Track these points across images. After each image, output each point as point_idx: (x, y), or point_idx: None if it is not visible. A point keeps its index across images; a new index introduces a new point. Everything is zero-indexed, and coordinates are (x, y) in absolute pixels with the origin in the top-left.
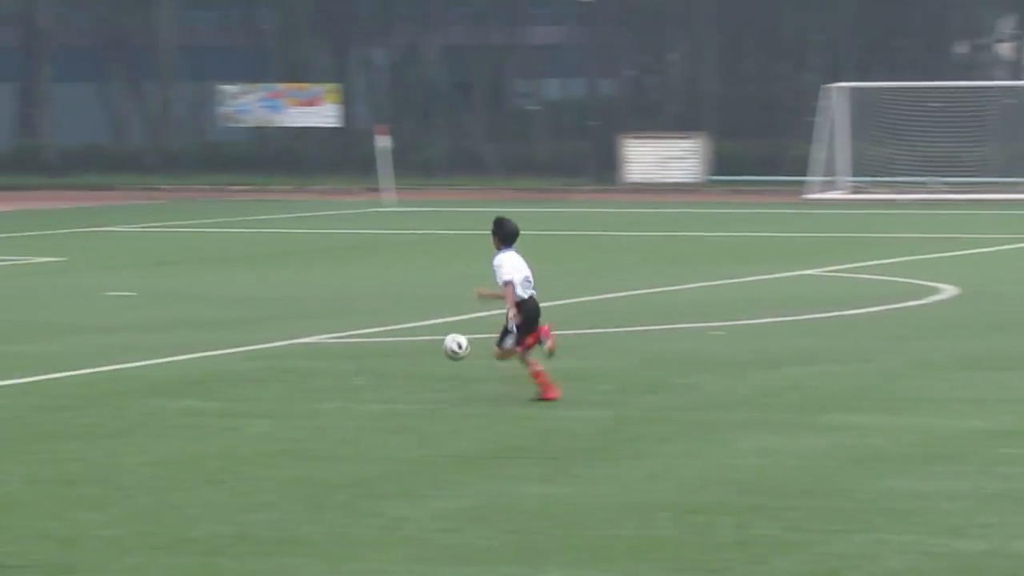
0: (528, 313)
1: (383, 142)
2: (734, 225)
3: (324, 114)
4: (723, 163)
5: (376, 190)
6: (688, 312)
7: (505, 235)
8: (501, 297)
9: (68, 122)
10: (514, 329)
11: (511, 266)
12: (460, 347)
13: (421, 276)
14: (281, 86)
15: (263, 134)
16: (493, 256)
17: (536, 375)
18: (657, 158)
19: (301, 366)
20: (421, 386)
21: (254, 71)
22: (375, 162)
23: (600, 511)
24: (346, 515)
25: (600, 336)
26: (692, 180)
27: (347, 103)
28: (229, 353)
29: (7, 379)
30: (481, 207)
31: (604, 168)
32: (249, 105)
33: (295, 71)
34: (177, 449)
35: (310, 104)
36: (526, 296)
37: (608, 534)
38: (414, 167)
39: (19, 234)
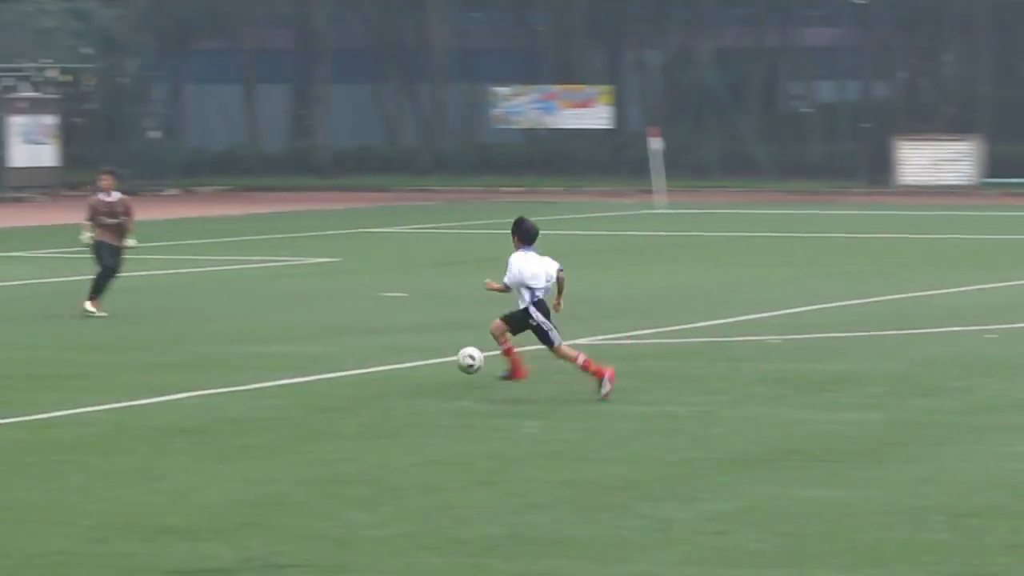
0: (543, 310)
1: (655, 144)
2: (1008, 228)
3: (597, 116)
4: (997, 165)
5: (648, 192)
6: (962, 315)
7: (524, 234)
8: (501, 290)
9: (341, 123)
10: (547, 326)
11: (519, 268)
12: (474, 359)
13: (693, 278)
14: (554, 88)
15: (534, 135)
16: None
17: (508, 351)
18: (930, 160)
19: (573, 367)
20: (693, 388)
21: (527, 73)
22: (647, 164)
23: (872, 514)
24: (617, 516)
25: (873, 339)
26: (966, 183)
27: (619, 105)
28: (500, 354)
29: (281, 379)
30: (753, 209)
31: (877, 170)
32: (522, 107)
33: (568, 72)
34: (448, 450)
35: (583, 106)
36: (537, 299)
37: (879, 537)
38: (686, 169)
39: (294, 235)
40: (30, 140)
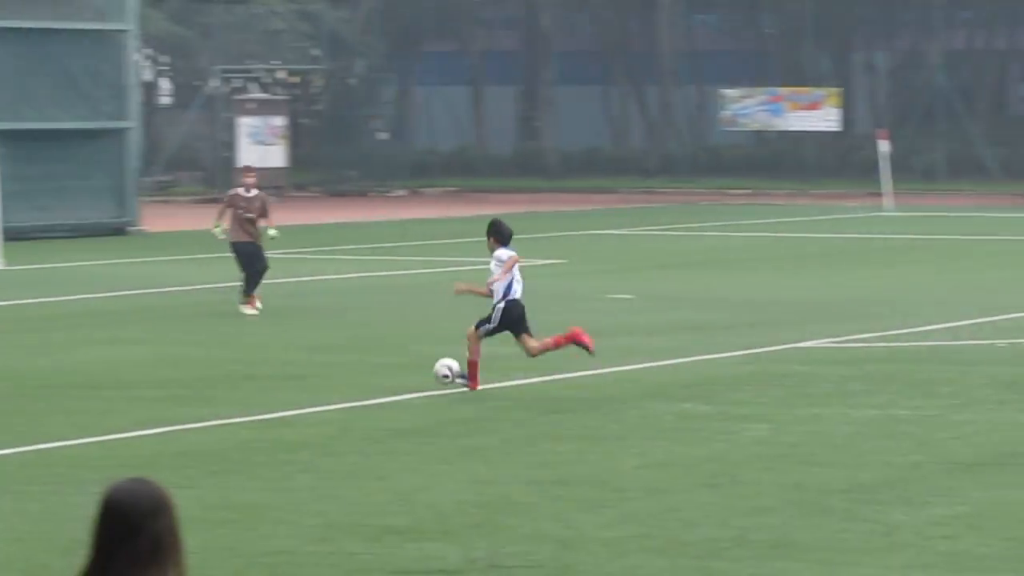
0: (512, 315)
1: (884, 146)
2: None
3: (824, 118)
4: None
5: (876, 195)
6: None
7: (501, 235)
8: (481, 293)
9: (569, 125)
10: (495, 322)
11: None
12: (451, 371)
13: (920, 281)
14: (782, 90)
15: (762, 138)
16: (492, 253)
17: (471, 364)
18: None
19: (799, 370)
20: (919, 391)
21: (754, 75)
22: (875, 166)
23: None
24: (842, 520)
25: None
26: None
27: (847, 107)
28: (727, 357)
29: (507, 380)
30: (982, 212)
31: None
32: (750, 109)
33: (796, 74)
34: (674, 452)
35: (811, 108)
36: (517, 297)
37: None
38: (914, 171)
39: (522, 236)
40: (259, 141)
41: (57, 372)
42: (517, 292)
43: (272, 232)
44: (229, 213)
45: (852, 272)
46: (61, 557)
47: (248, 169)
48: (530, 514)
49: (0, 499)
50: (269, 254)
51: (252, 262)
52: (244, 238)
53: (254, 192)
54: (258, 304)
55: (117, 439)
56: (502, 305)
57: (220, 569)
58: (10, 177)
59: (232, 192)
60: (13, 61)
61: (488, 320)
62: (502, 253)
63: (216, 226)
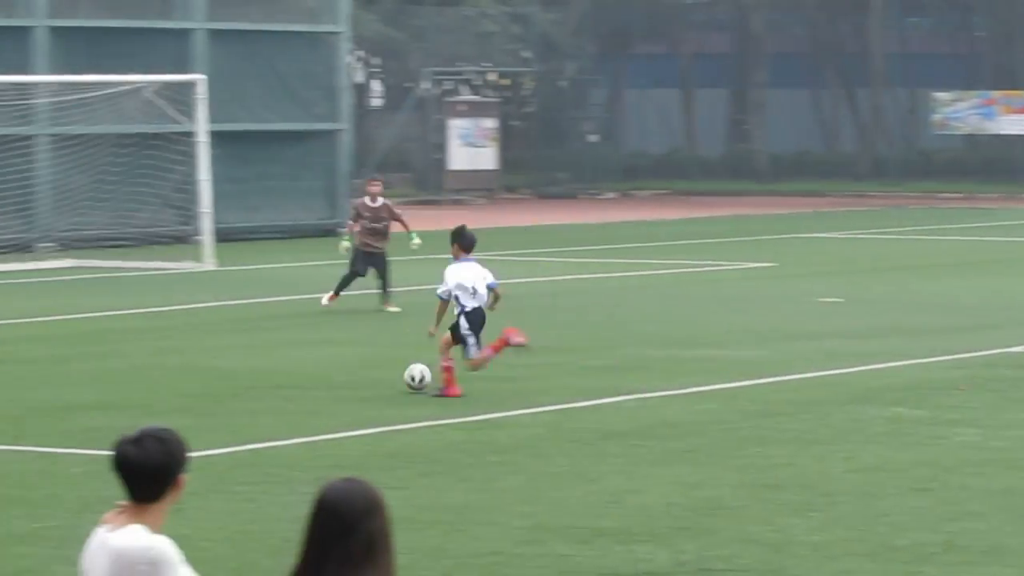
0: (472, 321)
1: None
2: None
3: None
4: None
5: None
6: None
7: (464, 243)
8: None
9: (779, 128)
10: (469, 335)
11: (454, 278)
12: (422, 376)
13: None
14: (995, 93)
15: (974, 141)
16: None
17: (446, 369)
18: None
19: (1011, 375)
20: None
21: (967, 78)
22: None
23: None
24: None
25: None
26: None
27: None
28: (938, 361)
29: (718, 383)
30: None
31: None
32: (962, 112)
33: (1008, 78)
34: (883, 456)
35: (1023, 112)
36: (470, 308)
37: None
38: None
39: (732, 239)
40: (469, 143)
41: (267, 373)
42: (466, 305)
43: (416, 241)
44: (357, 221)
45: None
46: (271, 557)
47: (373, 179)
48: (739, 517)
49: (211, 498)
50: (488, 255)
51: (360, 264)
52: (369, 246)
53: (380, 201)
54: (327, 301)
55: (327, 439)
56: (463, 319)
57: (430, 570)
58: (222, 178)
59: (358, 202)
60: (226, 63)
61: (462, 339)
62: (443, 278)
63: (346, 239)
